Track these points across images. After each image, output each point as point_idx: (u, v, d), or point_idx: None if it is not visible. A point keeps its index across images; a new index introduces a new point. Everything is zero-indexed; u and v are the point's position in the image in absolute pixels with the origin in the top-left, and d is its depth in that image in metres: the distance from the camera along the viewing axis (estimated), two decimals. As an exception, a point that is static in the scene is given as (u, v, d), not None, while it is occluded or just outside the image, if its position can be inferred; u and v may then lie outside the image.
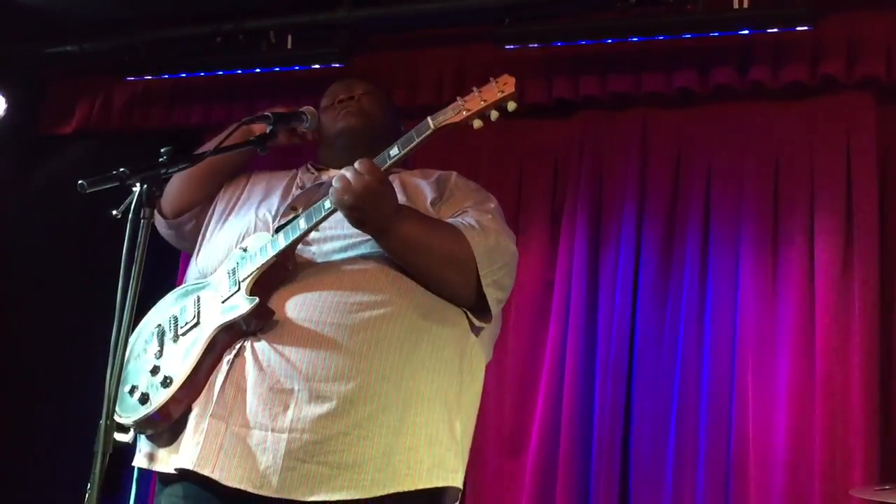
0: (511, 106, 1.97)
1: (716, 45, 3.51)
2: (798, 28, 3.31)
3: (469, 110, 1.98)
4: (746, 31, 3.39)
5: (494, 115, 1.98)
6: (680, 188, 3.68)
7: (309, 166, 2.38)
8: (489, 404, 3.69)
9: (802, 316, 3.37)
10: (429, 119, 2.00)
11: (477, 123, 1.99)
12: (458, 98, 2.00)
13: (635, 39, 3.53)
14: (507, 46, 3.61)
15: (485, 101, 1.98)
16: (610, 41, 3.57)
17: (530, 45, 3.62)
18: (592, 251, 3.70)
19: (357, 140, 2.31)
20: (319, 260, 2.09)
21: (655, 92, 3.65)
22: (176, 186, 2.37)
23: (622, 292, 3.60)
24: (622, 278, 3.61)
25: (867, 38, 3.38)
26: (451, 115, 1.99)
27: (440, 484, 2.00)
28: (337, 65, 3.82)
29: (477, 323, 2.15)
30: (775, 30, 3.35)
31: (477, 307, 2.13)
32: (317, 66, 3.86)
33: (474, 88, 2.00)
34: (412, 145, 2.00)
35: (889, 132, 3.48)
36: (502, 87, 1.98)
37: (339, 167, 2.29)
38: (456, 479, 2.05)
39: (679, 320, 3.54)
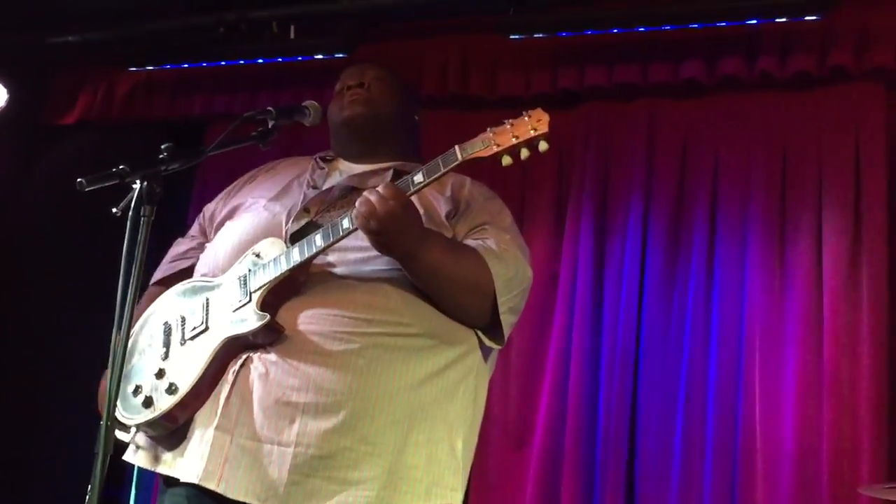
0: (542, 146, 1.92)
1: (723, 35, 3.48)
2: (807, 18, 3.28)
3: (499, 145, 1.93)
4: (754, 21, 3.36)
5: (525, 153, 1.93)
6: (687, 179, 3.65)
7: (318, 160, 2.35)
8: (494, 396, 3.67)
9: (810, 308, 3.35)
10: (457, 149, 1.95)
11: (506, 160, 1.94)
12: (488, 129, 1.95)
13: (642, 29, 3.51)
14: (512, 36, 3.58)
15: (516, 137, 1.92)
16: (616, 31, 3.54)
17: (535, 35, 3.59)
18: (598, 242, 3.68)
19: (362, 130, 2.29)
20: (334, 270, 2.05)
21: (662, 82, 3.62)
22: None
23: (628, 284, 3.58)
24: (628, 270, 3.59)
25: (877, 28, 3.35)
26: (479, 148, 1.94)
27: (438, 502, 1.99)
28: (340, 55, 3.79)
29: (489, 343, 2.13)
30: (784, 19, 3.32)
31: (489, 328, 2.11)
32: (320, 57, 3.84)
33: (506, 121, 1.94)
34: (438, 175, 1.95)
35: (899, 123, 3.45)
36: (535, 125, 1.92)
37: (348, 157, 2.30)
38: (455, 498, 2.04)
39: (686, 312, 3.53)
